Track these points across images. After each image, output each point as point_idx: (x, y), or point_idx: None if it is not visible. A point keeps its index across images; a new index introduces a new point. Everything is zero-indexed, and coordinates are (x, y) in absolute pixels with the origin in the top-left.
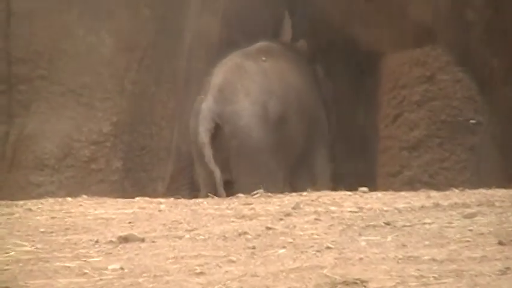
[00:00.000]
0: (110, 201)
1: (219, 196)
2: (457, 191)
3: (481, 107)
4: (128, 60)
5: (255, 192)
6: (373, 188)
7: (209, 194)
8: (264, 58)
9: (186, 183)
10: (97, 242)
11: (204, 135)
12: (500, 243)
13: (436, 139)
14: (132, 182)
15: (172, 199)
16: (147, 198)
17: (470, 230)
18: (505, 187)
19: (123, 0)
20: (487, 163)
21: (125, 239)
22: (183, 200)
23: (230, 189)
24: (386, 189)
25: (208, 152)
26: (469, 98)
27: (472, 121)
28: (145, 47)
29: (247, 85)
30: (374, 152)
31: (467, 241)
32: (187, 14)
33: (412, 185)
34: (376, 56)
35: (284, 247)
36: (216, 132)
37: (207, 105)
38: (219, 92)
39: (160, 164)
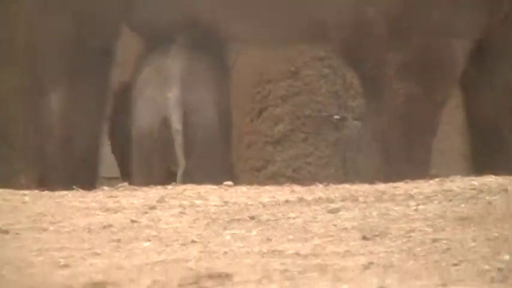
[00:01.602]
0: None
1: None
2: (321, 185)
3: (364, 100)
4: None
5: (119, 185)
6: (238, 181)
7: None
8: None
9: (59, 184)
10: None
11: (178, 123)
12: (364, 238)
13: (301, 134)
14: None
15: (36, 191)
16: (10, 190)
17: (334, 225)
18: (385, 183)
19: None
20: (367, 160)
21: None
22: (47, 192)
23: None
24: (250, 184)
25: (180, 141)
26: (333, 93)
27: (336, 116)
28: None
29: (204, 77)
30: (239, 145)
31: (331, 236)
32: (21, 12)
33: (276, 179)
34: (233, 52)
35: (149, 240)
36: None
37: (174, 94)
38: (182, 82)
39: (24, 156)
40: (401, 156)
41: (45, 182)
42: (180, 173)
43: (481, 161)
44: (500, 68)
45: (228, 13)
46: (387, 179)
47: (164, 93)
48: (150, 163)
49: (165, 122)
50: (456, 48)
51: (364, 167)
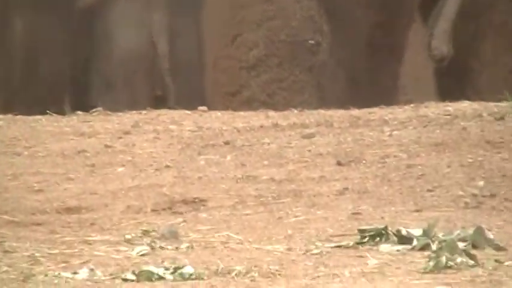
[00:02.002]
0: None
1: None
2: (295, 111)
3: (328, 29)
4: None
5: (94, 110)
6: (212, 106)
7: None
8: None
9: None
10: None
11: (165, 46)
12: (339, 163)
13: (275, 59)
14: None
15: (10, 115)
16: None
17: (309, 151)
18: (349, 109)
19: None
20: (332, 85)
21: None
22: (21, 117)
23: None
24: (225, 109)
25: (166, 64)
26: (308, 18)
27: (310, 41)
28: None
29: (185, 2)
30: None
31: (306, 161)
32: None
33: (250, 104)
34: None
35: (123, 165)
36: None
37: (160, 17)
38: (167, 5)
39: None
40: (368, 83)
41: (10, 106)
42: (171, 96)
43: (448, 90)
44: None
45: None
46: (354, 105)
47: (150, 15)
48: (135, 85)
49: (152, 44)
50: None
51: (332, 93)
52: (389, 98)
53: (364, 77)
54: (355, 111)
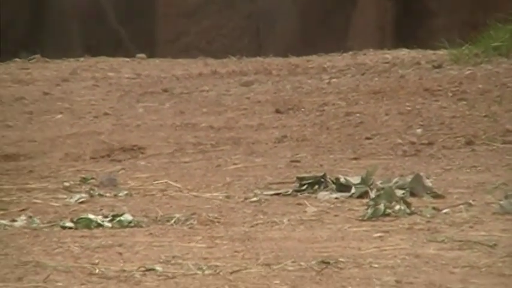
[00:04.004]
0: None
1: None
2: (234, 58)
3: None
4: None
5: (32, 56)
6: (151, 53)
7: None
8: None
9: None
10: None
11: None
12: (277, 111)
13: (214, 5)
14: None
15: None
16: None
17: (248, 98)
18: (304, 51)
19: None
20: (286, 27)
21: None
22: None
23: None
24: (164, 56)
25: (112, 11)
26: None
27: None
28: None
29: None
30: (152, 17)
31: (245, 109)
32: None
33: (189, 52)
34: None
35: (61, 113)
36: None
37: None
38: None
39: None
40: (320, 24)
41: None
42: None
43: (404, 29)
44: None
45: None
46: (305, 45)
47: None
48: (73, 34)
49: None
50: None
51: (281, 35)
52: (338, 40)
53: (317, 18)
54: (294, 59)
